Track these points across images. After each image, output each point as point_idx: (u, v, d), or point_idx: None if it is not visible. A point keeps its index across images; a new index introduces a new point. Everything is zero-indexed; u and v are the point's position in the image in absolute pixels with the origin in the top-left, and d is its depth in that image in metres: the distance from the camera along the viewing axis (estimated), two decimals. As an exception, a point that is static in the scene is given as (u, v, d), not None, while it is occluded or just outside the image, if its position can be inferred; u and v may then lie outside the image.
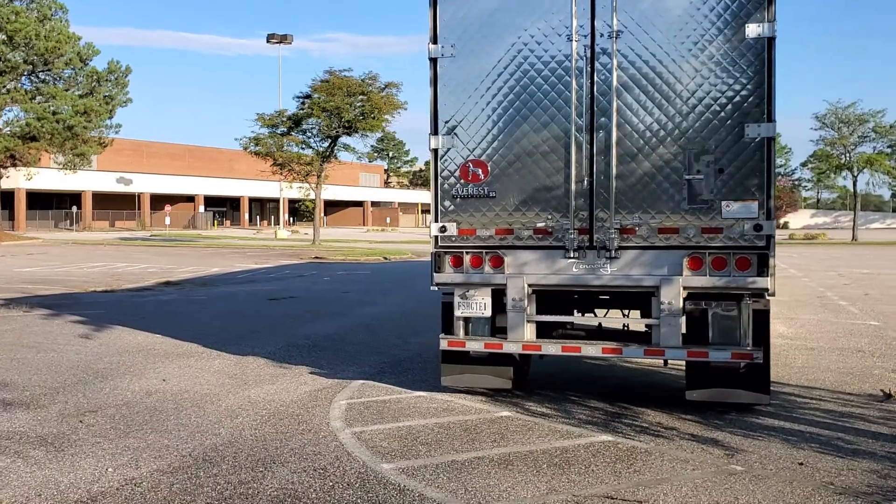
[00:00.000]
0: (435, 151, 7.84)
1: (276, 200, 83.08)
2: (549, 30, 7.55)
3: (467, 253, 7.73)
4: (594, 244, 7.51)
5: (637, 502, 5.42)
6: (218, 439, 6.88)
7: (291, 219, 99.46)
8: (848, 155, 60.30)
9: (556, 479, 5.87)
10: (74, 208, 78.22)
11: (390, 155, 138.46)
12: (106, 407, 8.00)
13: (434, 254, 7.83)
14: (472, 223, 7.78)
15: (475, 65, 7.72)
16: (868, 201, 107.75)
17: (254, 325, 13.98)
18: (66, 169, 53.61)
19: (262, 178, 62.96)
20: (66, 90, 50.46)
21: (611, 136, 7.41)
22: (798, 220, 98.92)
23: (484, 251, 7.71)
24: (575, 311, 8.54)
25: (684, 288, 7.31)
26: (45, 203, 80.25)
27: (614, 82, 7.40)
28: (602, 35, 7.44)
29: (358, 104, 45.85)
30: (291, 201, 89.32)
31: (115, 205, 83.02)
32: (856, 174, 61.12)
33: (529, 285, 7.62)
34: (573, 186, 7.50)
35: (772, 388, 7.90)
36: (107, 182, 79.39)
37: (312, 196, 51.12)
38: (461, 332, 7.88)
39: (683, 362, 8.04)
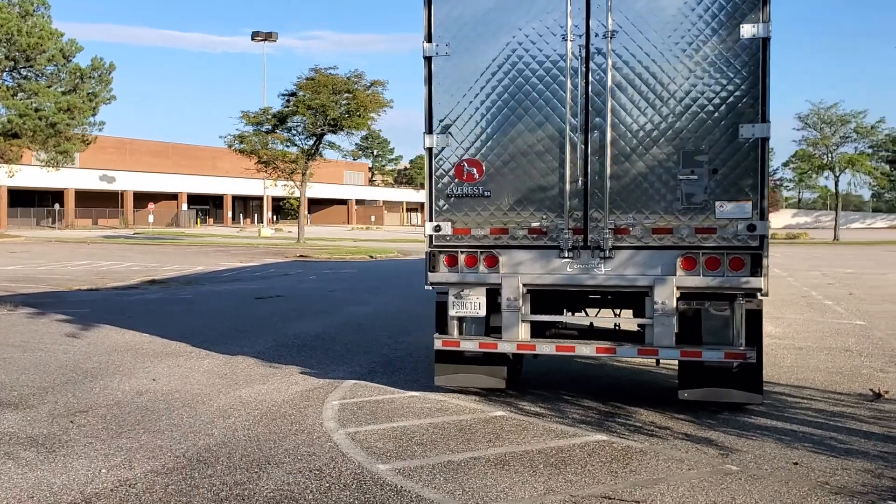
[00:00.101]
0: (430, 150, 7.81)
1: (260, 198, 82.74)
2: (544, 29, 7.55)
3: (462, 252, 7.72)
4: (588, 244, 7.51)
5: (635, 502, 5.43)
6: (211, 440, 6.83)
7: (275, 217, 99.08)
8: (830, 155, 60.75)
9: (552, 479, 5.86)
10: (57, 206, 77.61)
11: (375, 153, 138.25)
12: (96, 407, 7.93)
13: (429, 253, 7.80)
14: (466, 222, 7.76)
15: (470, 64, 7.70)
16: (848, 201, 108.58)
17: (242, 324, 13.90)
18: (49, 166, 53.13)
19: (245, 176, 62.68)
20: (49, 87, 50.00)
21: (605, 136, 7.42)
22: (779, 219, 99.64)
23: (479, 250, 7.70)
24: (565, 310, 8.55)
25: (678, 288, 7.33)
26: (27, 201, 79.55)
27: (609, 82, 7.40)
28: (597, 35, 7.44)
29: (343, 102, 45.68)
30: (275, 199, 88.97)
31: (98, 202, 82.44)
32: (838, 174, 61.54)
33: (524, 285, 7.61)
34: (568, 186, 7.50)
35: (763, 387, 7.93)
36: (90, 180, 78.81)
37: (297, 194, 50.92)
38: (455, 332, 7.86)
39: (675, 362, 8.07)
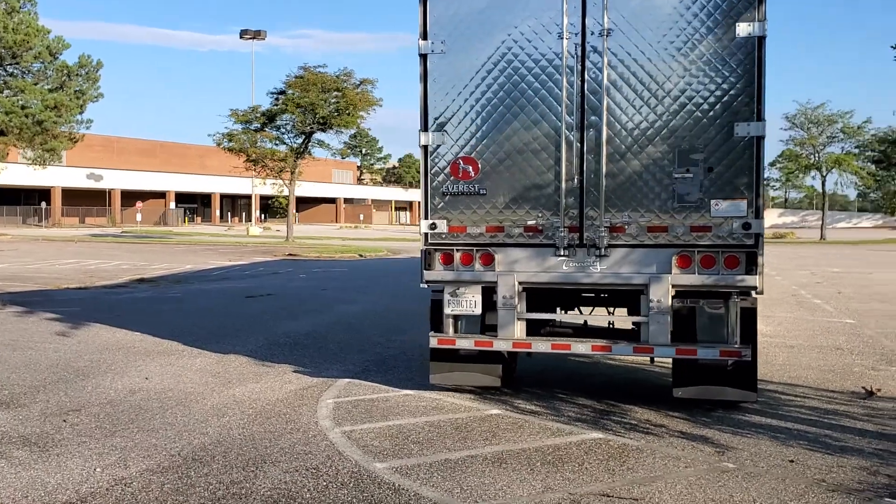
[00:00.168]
0: (425, 148, 7.79)
1: (248, 197, 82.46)
2: (540, 27, 7.53)
3: (458, 250, 7.70)
4: (584, 242, 7.51)
5: (633, 500, 5.43)
6: (206, 438, 6.79)
7: (263, 216, 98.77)
8: (817, 155, 61.09)
9: (550, 478, 5.86)
10: (43, 204, 77.08)
11: (363, 152, 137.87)
12: (89, 406, 7.87)
13: (424, 251, 7.78)
14: (462, 220, 7.75)
15: (465, 61, 7.68)
16: (834, 201, 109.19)
17: (233, 322, 13.84)
18: (36, 164, 52.66)
19: (234, 175, 62.41)
20: (36, 84, 49.54)
21: (601, 135, 7.41)
22: (766, 219, 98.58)
23: (474, 248, 7.68)
24: (558, 308, 8.55)
25: (673, 286, 7.33)
26: (13, 199, 79.02)
27: (605, 80, 7.40)
28: (592, 33, 7.44)
29: (333, 100, 45.63)
30: (263, 198, 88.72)
31: (85, 201, 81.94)
32: (824, 174, 61.93)
33: (520, 283, 7.60)
34: (563, 185, 7.49)
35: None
36: (77, 178, 78.34)
37: (286, 192, 50.78)
38: (451, 330, 7.84)
39: (669, 360, 8.08)
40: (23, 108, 47.97)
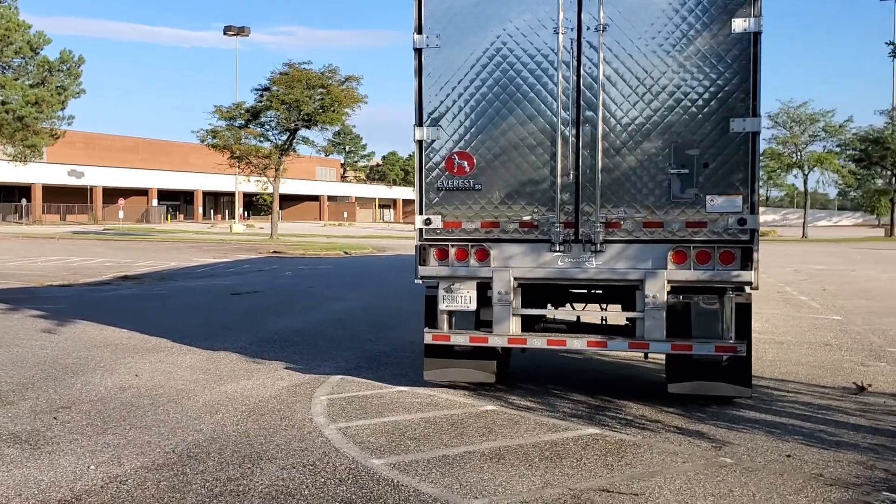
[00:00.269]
0: (420, 143, 7.74)
1: (231, 194, 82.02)
2: (535, 22, 7.50)
3: (452, 246, 7.66)
4: (580, 238, 7.49)
5: (634, 495, 5.42)
6: (200, 435, 6.72)
7: (247, 213, 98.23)
8: (799, 154, 61.49)
9: (549, 473, 5.84)
10: (24, 201, 76.27)
11: (347, 149, 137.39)
12: (79, 403, 7.77)
13: (419, 246, 7.73)
14: (457, 216, 7.71)
15: (460, 56, 7.64)
16: (815, 199, 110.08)
17: (220, 319, 13.74)
18: (16, 161, 52.11)
19: (217, 172, 62.05)
20: (16, 80, 49.10)
21: (597, 130, 7.40)
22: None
23: (469, 244, 7.64)
24: (550, 304, 8.53)
25: (668, 281, 7.33)
26: (-7, 195, 78.17)
27: (600, 76, 7.38)
28: (588, 28, 7.42)
29: (318, 97, 45.46)
30: (247, 195, 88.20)
31: (66, 198, 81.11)
32: (806, 173, 62.33)
33: (515, 279, 7.57)
34: (559, 180, 7.47)
35: (750, 381, 7.97)
36: (58, 175, 77.53)
37: (270, 189, 50.54)
38: (445, 326, 7.80)
39: (661, 355, 8.08)
40: (3, 103, 47.55)
